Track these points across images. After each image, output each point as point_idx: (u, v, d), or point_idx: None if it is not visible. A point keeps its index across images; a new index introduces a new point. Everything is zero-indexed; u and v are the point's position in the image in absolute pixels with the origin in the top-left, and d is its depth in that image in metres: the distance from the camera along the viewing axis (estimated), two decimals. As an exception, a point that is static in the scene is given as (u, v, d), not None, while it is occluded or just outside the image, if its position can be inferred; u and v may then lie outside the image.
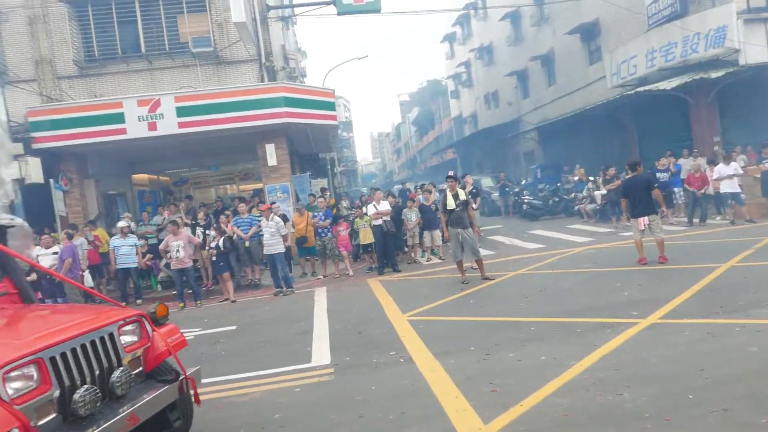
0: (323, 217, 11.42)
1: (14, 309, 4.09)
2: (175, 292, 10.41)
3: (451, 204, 8.92)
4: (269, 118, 12.72)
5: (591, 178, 15.49)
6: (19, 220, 4.51)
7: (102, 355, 3.31)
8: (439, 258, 11.90)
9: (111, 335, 3.44)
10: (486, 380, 4.66)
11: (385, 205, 11.24)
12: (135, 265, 10.78)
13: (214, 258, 10.55)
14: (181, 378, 3.69)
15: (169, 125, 12.31)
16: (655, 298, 6.67)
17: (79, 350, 3.16)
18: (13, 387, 2.82)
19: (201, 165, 16.78)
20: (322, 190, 14.53)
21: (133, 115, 12.26)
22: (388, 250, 11.17)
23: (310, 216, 11.56)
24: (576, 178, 17.59)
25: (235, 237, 10.91)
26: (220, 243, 10.48)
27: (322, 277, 11.44)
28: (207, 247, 10.79)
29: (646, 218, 8.64)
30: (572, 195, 16.83)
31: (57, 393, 2.98)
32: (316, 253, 11.61)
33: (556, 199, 17.12)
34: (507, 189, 19.45)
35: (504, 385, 4.52)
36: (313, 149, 19.36)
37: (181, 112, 12.36)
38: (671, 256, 8.78)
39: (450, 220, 8.99)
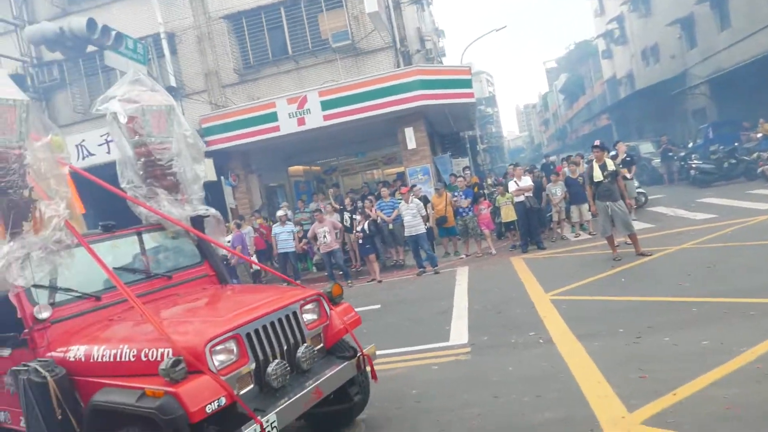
0: (463, 197, 11.38)
1: (213, 289, 4.48)
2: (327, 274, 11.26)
3: (597, 175, 8.28)
4: (406, 103, 12.96)
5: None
6: (213, 211, 4.80)
7: (288, 331, 3.54)
8: (589, 233, 11.14)
9: (295, 313, 3.65)
10: (634, 365, 4.32)
11: (526, 181, 10.82)
12: (293, 250, 11.85)
13: (360, 241, 11.19)
14: (358, 355, 3.84)
15: (315, 119, 13.21)
16: None
17: (269, 327, 3.41)
18: (218, 359, 3.08)
19: (348, 153, 17.71)
20: (464, 169, 14.43)
21: (285, 112, 13.38)
22: (531, 227, 10.77)
23: (450, 196, 11.59)
24: (759, 135, 15.08)
25: (379, 220, 11.40)
26: (366, 226, 11.06)
27: (464, 256, 11.45)
28: (354, 231, 11.46)
29: None
30: (755, 155, 14.48)
31: (253, 366, 3.24)
32: (457, 232, 11.63)
33: (733, 161, 14.84)
34: (670, 154, 17.39)
35: (655, 372, 4.15)
36: (454, 128, 19.26)
37: (325, 105, 13.17)
38: None
39: (597, 192, 8.36)
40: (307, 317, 3.78)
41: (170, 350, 2.95)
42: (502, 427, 3.76)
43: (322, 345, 3.85)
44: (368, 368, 3.92)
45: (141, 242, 4.47)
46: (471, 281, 8.95)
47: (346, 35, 14.01)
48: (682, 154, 17.02)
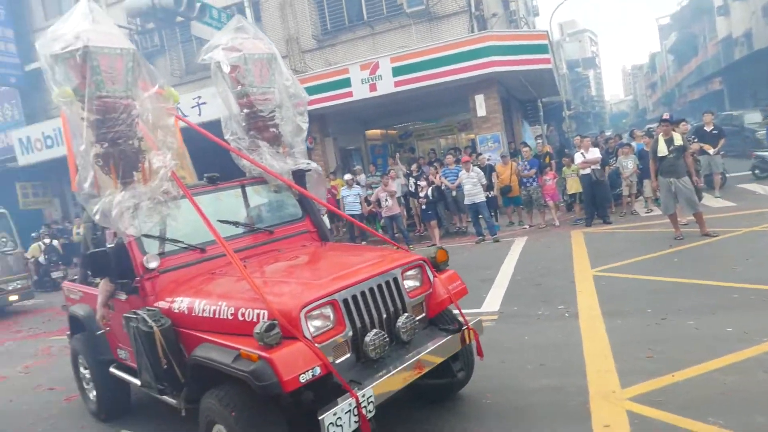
0: (528, 167, 11.25)
1: (313, 247, 4.31)
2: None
3: (662, 150, 7.90)
4: (477, 69, 12.81)
5: None
6: (314, 165, 4.63)
7: (388, 299, 3.29)
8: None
9: (396, 279, 3.37)
10: (646, 345, 4.37)
11: (594, 153, 10.47)
12: (359, 212, 12.42)
13: (423, 206, 11.51)
14: (463, 328, 3.53)
15: (386, 85, 13.46)
16: None
17: (368, 293, 3.17)
18: (314, 325, 2.90)
19: (423, 118, 17.83)
20: (536, 138, 14.09)
21: (357, 78, 13.75)
22: (597, 200, 10.47)
23: (515, 165, 11.50)
24: None
25: (443, 186, 11.61)
26: (429, 192, 11.34)
27: (527, 226, 11.40)
28: (418, 197, 11.77)
29: None
30: None
31: (350, 334, 3.02)
32: (521, 202, 11.57)
33: None
34: (779, 125, 15.70)
35: (664, 353, 4.19)
36: (533, 94, 18.65)
37: (396, 71, 13.35)
38: None
39: (661, 168, 7.99)
40: (409, 284, 3.50)
41: (265, 312, 2.85)
42: (497, 388, 4.04)
43: (423, 315, 3.56)
44: (473, 343, 3.61)
45: (244, 195, 4.42)
46: (524, 252, 9.01)
47: (420, 0, 13.96)
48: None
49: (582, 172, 10.41)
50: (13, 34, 18.62)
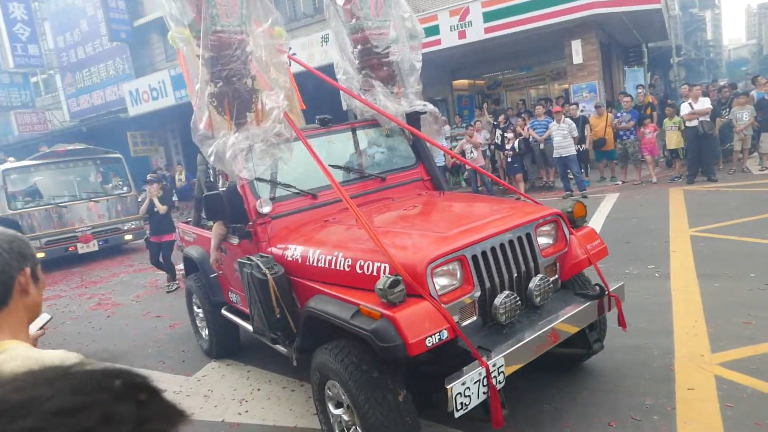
0: (627, 118, 10.48)
1: (429, 197, 3.96)
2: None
3: None
4: (575, 12, 11.88)
5: None
6: (431, 107, 4.27)
7: (520, 257, 2.93)
8: (781, 168, 9.57)
9: (529, 235, 2.99)
10: (745, 311, 4.08)
11: (704, 103, 9.51)
12: (442, 164, 12.29)
13: (509, 159, 11.17)
14: (605, 293, 3.09)
15: (476, 32, 12.91)
16: None
17: (498, 250, 2.84)
18: (440, 284, 2.63)
19: (514, 67, 17.01)
20: (637, 87, 13.02)
21: (446, 25, 13.29)
22: (703, 155, 9.60)
23: (611, 117, 10.76)
24: None
25: (531, 139, 11.16)
26: (516, 144, 10.96)
27: (620, 182, 10.75)
28: (504, 149, 11.42)
29: None
30: None
31: (477, 295, 2.73)
32: (615, 157, 10.88)
33: None
34: None
35: (765, 320, 3.88)
36: (638, 39, 17.07)
37: (488, 17, 12.74)
38: None
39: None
40: (542, 241, 3.11)
41: (387, 266, 2.62)
42: (576, 345, 3.96)
43: (556, 277, 3.19)
44: (610, 311, 3.17)
45: (355, 139, 4.18)
46: (615, 209, 8.54)
47: (516, -62, 13.02)
48: None
49: (689, 124, 9.54)
50: (122, -10, 19.80)
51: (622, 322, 3.30)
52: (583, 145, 10.82)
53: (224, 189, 3.82)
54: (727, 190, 8.74)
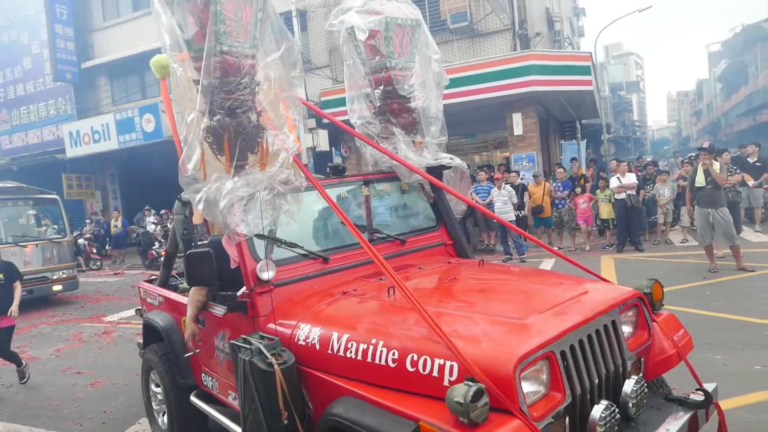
0: (561, 188, 11.13)
1: (467, 267, 3.27)
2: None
3: (700, 180, 7.74)
4: (517, 87, 12.79)
5: None
6: (458, 160, 3.74)
7: (608, 352, 2.27)
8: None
9: (614, 323, 2.35)
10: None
11: (630, 178, 10.30)
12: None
13: (452, 221, 11.50)
14: (710, 402, 2.45)
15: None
16: None
17: (585, 343, 2.18)
18: (528, 390, 1.95)
19: (459, 133, 17.82)
20: (571, 160, 13.94)
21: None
22: (631, 226, 10.27)
23: (549, 186, 11.40)
24: None
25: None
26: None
27: (557, 248, 11.25)
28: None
29: None
30: None
31: (567, 404, 2.04)
32: (551, 224, 11.44)
33: None
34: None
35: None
36: (573, 116, 18.44)
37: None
38: None
39: (698, 198, 7.82)
40: (624, 330, 2.47)
41: (455, 366, 1.95)
42: None
43: (640, 376, 2.44)
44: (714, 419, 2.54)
45: (369, 193, 3.55)
46: (551, 274, 8.89)
47: (464, 16, 14.04)
48: None
49: (617, 196, 10.24)
50: (72, 32, 19.53)
51: None
52: (522, 212, 11.34)
53: (204, 244, 3.26)
54: (653, 259, 9.33)
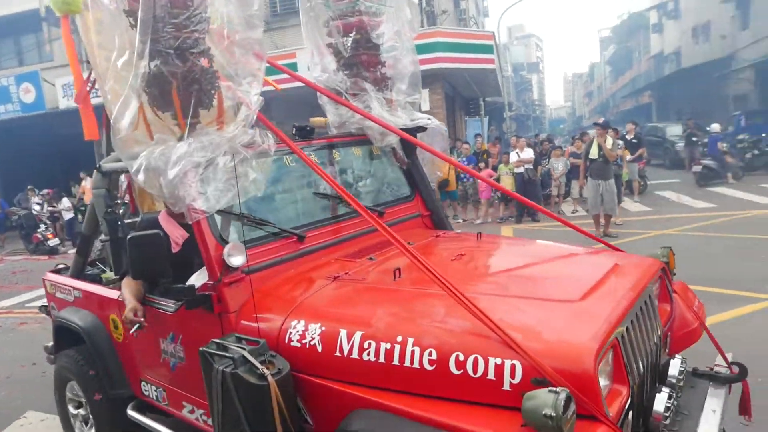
0: (466, 162, 11.57)
1: (465, 240, 2.96)
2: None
3: (594, 153, 8.46)
4: (425, 64, 12.81)
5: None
6: (436, 122, 3.36)
7: (651, 332, 2.06)
8: (587, 210, 11.27)
9: (651, 299, 2.14)
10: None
11: (527, 153, 10.94)
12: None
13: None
14: (746, 374, 2.27)
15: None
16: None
17: (635, 326, 1.93)
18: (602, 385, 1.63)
19: (368, 109, 17.92)
20: (475, 136, 14.50)
21: (304, 64, 13.61)
22: (528, 198, 10.92)
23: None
24: (789, 128, 14.58)
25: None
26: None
27: (461, 221, 11.74)
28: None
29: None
30: (780, 148, 14.06)
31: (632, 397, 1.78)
32: (457, 197, 11.90)
33: (756, 152, 14.44)
34: (694, 139, 16.90)
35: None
36: (477, 93, 19.13)
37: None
38: None
39: (590, 169, 8.55)
40: None
41: (517, 364, 1.62)
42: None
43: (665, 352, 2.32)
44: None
45: (330, 159, 3.06)
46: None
47: (371, -10, 13.95)
48: (707, 140, 16.54)
49: (516, 170, 10.84)
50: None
51: (747, 409, 2.37)
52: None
53: (140, 224, 2.74)
54: (547, 228, 10.03)
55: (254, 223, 2.44)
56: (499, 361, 1.64)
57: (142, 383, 2.92)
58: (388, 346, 1.82)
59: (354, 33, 3.13)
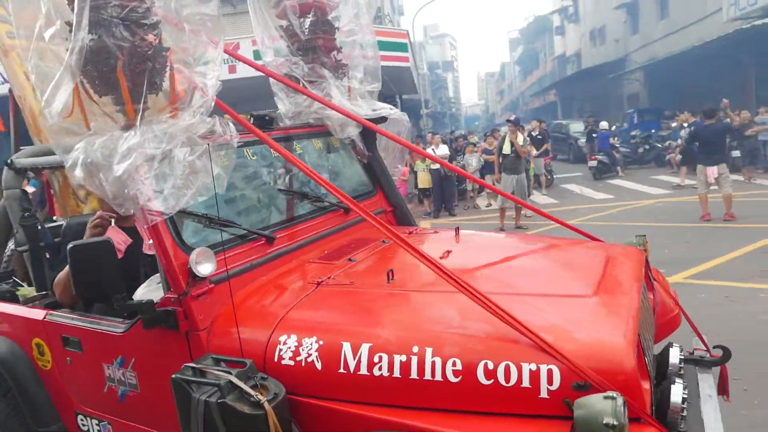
0: (385, 160, 11.72)
1: (446, 239, 2.75)
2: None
3: (507, 148, 8.87)
4: (340, 61, 12.96)
5: (685, 125, 14.08)
6: (398, 112, 3.16)
7: (649, 322, 2.03)
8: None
9: (645, 288, 2.12)
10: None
11: (443, 150, 11.26)
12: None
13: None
14: (729, 358, 2.22)
15: (246, 68, 13.02)
16: (696, 257, 6.30)
17: (642, 314, 1.90)
18: None
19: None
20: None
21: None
22: (445, 194, 11.28)
23: (372, 158, 11.90)
24: (674, 125, 16.07)
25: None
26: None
27: (381, 217, 11.88)
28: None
29: (715, 168, 7.95)
30: (667, 143, 15.46)
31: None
32: (376, 194, 12.02)
33: (647, 146, 15.81)
34: (594, 135, 18.24)
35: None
36: (393, 91, 19.37)
37: (258, 55, 12.97)
38: (742, 214, 8.03)
39: (504, 164, 8.97)
40: None
41: (555, 369, 1.50)
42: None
43: None
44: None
45: (302, 152, 2.88)
46: (376, 241, 9.39)
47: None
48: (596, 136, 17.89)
49: (432, 167, 11.13)
50: None
51: (726, 390, 2.34)
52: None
53: (66, 229, 2.40)
54: (464, 222, 10.41)
55: (219, 224, 2.12)
56: (533, 366, 1.51)
57: (79, 417, 2.50)
58: (404, 358, 1.62)
59: (311, 14, 2.86)
